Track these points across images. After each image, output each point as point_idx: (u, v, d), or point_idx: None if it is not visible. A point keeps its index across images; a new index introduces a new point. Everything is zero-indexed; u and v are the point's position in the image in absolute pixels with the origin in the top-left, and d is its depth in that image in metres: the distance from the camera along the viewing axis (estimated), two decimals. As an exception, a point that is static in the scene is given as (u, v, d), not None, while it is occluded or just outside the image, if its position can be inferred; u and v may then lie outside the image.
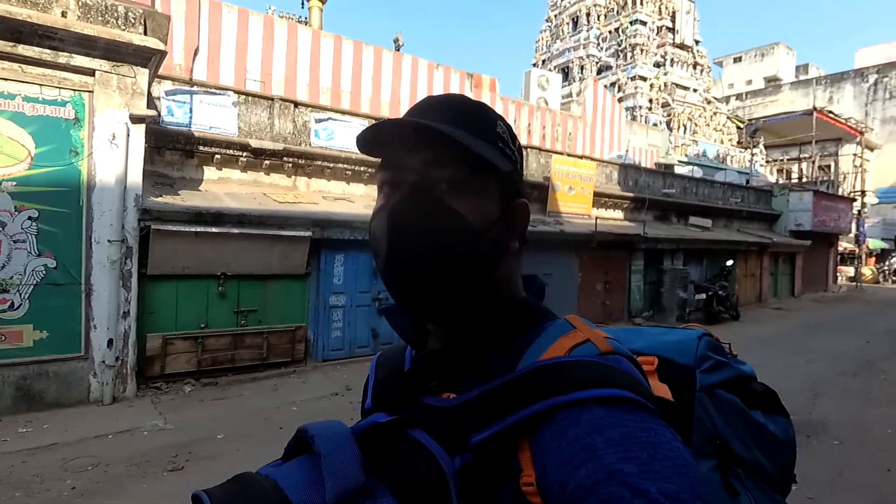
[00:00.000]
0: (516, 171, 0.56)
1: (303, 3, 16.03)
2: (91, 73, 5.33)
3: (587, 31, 22.50)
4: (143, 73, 5.64)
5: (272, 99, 8.15)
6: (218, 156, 7.44)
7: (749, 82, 44.64)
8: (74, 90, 5.28)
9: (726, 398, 0.60)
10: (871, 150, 32.73)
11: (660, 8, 21.50)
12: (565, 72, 22.54)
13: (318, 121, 8.65)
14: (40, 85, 5.11)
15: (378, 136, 0.53)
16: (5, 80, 4.93)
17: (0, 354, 4.94)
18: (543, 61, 25.07)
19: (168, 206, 5.90)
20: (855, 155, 28.88)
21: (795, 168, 29.34)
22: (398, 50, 15.73)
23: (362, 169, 8.97)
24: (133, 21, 5.52)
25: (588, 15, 22.63)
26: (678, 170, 17.43)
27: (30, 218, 5.06)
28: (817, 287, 20.90)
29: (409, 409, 0.51)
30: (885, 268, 28.96)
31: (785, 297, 18.45)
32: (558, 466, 0.39)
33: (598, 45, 22.28)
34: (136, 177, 5.62)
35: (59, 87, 5.20)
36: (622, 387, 0.42)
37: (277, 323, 6.96)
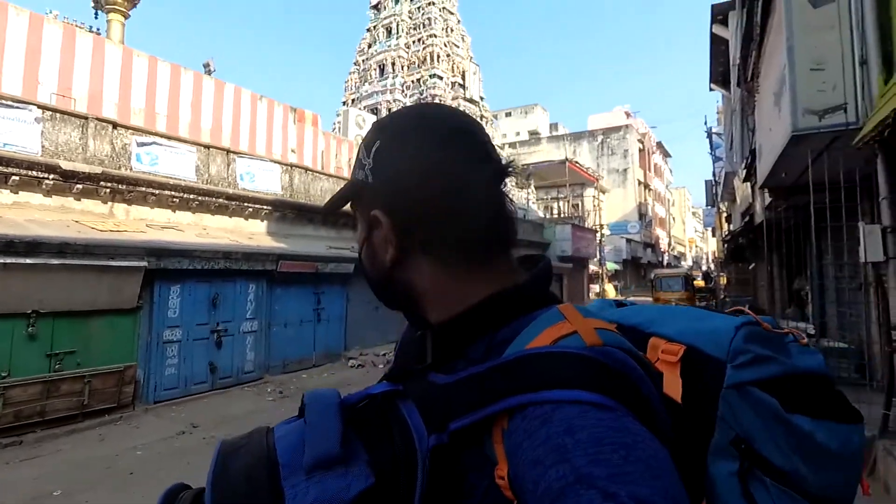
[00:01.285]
0: (366, 188, 0.55)
1: (96, 14, 14.25)
2: None
3: (393, 78, 24.76)
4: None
5: (86, 118, 7.40)
6: (16, 177, 6.44)
7: (517, 133, 53.75)
8: None
9: (759, 398, 0.52)
10: (604, 192, 42.70)
11: (452, 67, 25.03)
12: (374, 112, 24.28)
13: (141, 144, 8.11)
14: None
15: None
16: None
17: None
18: (353, 100, 26.50)
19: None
20: (593, 196, 37.53)
21: (556, 205, 36.71)
22: (209, 74, 15.12)
23: (191, 196, 8.64)
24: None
25: (393, 64, 24.95)
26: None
27: None
28: (577, 300, 26.37)
29: (413, 381, 0.52)
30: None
31: (556, 309, 22.87)
32: (530, 466, 0.38)
33: (403, 91, 24.69)
34: (-78, 199, 4.71)
35: None
36: (598, 389, 0.41)
37: (101, 364, 6.29)
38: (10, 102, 6.51)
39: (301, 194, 10.96)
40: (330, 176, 12.15)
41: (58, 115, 7.12)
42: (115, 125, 7.72)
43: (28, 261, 5.42)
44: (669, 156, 63.15)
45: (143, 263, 6.52)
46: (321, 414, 0.46)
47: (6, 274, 5.30)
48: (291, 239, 10.16)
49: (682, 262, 62.60)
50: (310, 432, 0.44)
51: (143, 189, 7.85)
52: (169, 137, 8.64)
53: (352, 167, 0.58)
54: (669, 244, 58.95)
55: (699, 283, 24.96)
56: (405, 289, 0.56)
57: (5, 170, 6.30)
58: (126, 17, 14.56)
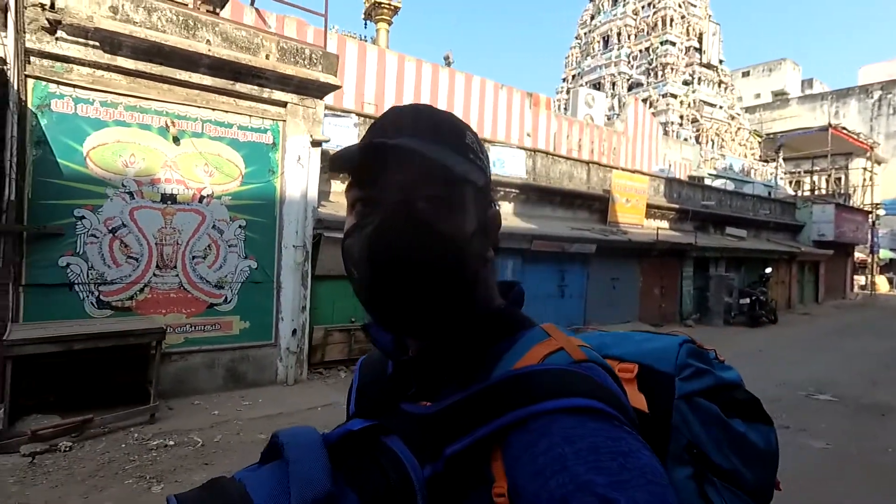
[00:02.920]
0: (487, 181, 0.56)
1: (366, 23, 17.03)
2: (284, 105, 6.23)
3: (618, 49, 23.49)
4: (320, 105, 6.55)
5: (386, 120, 9.08)
6: (346, 171, 8.34)
7: (757, 96, 45.56)
8: (273, 120, 6.18)
9: (705, 406, 0.59)
10: (879, 163, 33.63)
11: (687, 29, 22.50)
12: (597, 87, 23.51)
13: (421, 139, 9.58)
14: (249, 116, 6.01)
15: (355, 159, 0.51)
16: (226, 111, 5.83)
17: (217, 340, 5.82)
18: (573, 76, 26.08)
19: (333, 217, 6.78)
20: (864, 169, 29.83)
21: (807, 180, 30.35)
22: (449, 66, 16.70)
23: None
24: (315, 61, 6.43)
25: (619, 34, 23.63)
26: (709, 183, 18.36)
27: (240, 226, 5.95)
28: (836, 294, 21.77)
29: (388, 416, 0.52)
30: None
31: (809, 303, 19.32)
32: (531, 478, 0.39)
33: (629, 62, 23.27)
34: (313, 192, 6.51)
35: (262, 118, 6.10)
36: (592, 396, 0.42)
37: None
38: (339, 113, 8.41)
39: (542, 178, 11.50)
40: (567, 158, 12.42)
41: (367, 119, 8.87)
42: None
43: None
44: None
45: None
46: (305, 452, 0.43)
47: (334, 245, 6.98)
48: (535, 219, 10.81)
49: None
50: (294, 473, 0.41)
51: (426, 177, 9.30)
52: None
53: (445, 142, 0.53)
54: (980, 228, 44.26)
55: None
56: (469, 294, 0.54)
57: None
58: (390, 24, 16.90)
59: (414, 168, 0.50)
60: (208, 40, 5.62)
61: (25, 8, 4.67)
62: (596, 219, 12.36)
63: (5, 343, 4.10)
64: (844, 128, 28.13)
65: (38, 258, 4.81)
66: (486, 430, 0.43)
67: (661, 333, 0.69)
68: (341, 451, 0.45)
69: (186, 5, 5.92)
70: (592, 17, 25.79)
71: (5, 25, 4.64)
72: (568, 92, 25.53)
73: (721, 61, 23.47)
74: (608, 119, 18.03)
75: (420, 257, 0.50)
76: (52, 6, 4.76)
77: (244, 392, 5.87)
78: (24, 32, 4.67)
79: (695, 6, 22.96)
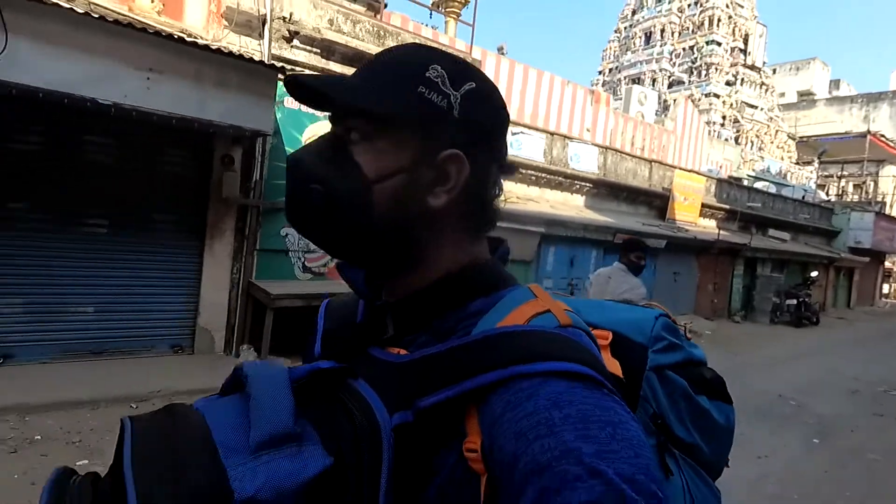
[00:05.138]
0: (447, 120, 0.52)
1: (431, 14, 18.25)
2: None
3: (661, 46, 24.91)
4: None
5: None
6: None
7: (782, 95, 46.96)
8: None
9: (674, 380, 0.63)
10: (909, 172, 35.35)
11: (733, 30, 23.96)
12: (636, 82, 24.95)
13: (513, 133, 10.98)
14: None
15: (290, 87, 0.54)
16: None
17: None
18: (611, 70, 27.50)
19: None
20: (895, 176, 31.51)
21: (835, 185, 32.02)
22: (503, 55, 18.03)
23: (541, 175, 11.33)
24: (463, 66, 7.82)
25: (662, 31, 25.05)
26: (748, 184, 19.92)
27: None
28: (865, 301, 23.53)
29: (355, 361, 0.52)
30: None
31: (841, 308, 21.02)
32: (512, 439, 0.40)
33: (671, 60, 24.71)
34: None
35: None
36: (583, 362, 0.43)
37: (514, 298, 9.33)
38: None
39: (611, 174, 12.97)
40: (632, 156, 13.88)
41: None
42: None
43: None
44: None
45: (542, 229, 9.28)
46: (269, 387, 0.43)
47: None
48: (604, 213, 12.28)
49: None
50: (256, 407, 0.41)
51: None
52: (528, 127, 11.39)
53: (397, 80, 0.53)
54: None
55: None
56: (412, 243, 0.54)
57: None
58: (458, 17, 18.19)
59: (333, 100, 0.53)
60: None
61: (272, 21, 6.03)
62: (654, 215, 13.84)
63: (272, 297, 5.51)
64: (883, 135, 29.70)
65: (267, 228, 6.21)
66: (469, 386, 0.43)
67: (636, 305, 0.74)
68: (307, 391, 0.45)
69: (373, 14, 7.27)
70: (634, 13, 27.14)
71: (261, 35, 6.00)
72: (604, 84, 26.96)
73: (764, 63, 25.01)
74: (657, 116, 19.49)
75: (317, 180, 0.52)
76: (290, 19, 6.12)
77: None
78: (272, 41, 6.04)
79: (742, 7, 24.38)
